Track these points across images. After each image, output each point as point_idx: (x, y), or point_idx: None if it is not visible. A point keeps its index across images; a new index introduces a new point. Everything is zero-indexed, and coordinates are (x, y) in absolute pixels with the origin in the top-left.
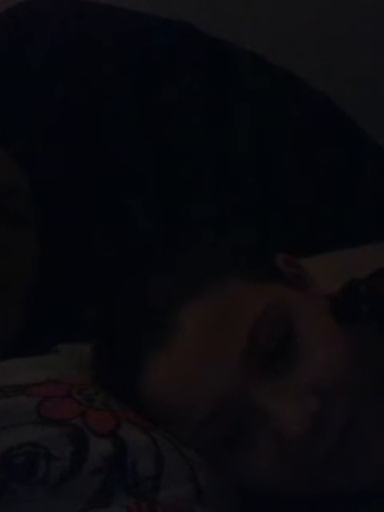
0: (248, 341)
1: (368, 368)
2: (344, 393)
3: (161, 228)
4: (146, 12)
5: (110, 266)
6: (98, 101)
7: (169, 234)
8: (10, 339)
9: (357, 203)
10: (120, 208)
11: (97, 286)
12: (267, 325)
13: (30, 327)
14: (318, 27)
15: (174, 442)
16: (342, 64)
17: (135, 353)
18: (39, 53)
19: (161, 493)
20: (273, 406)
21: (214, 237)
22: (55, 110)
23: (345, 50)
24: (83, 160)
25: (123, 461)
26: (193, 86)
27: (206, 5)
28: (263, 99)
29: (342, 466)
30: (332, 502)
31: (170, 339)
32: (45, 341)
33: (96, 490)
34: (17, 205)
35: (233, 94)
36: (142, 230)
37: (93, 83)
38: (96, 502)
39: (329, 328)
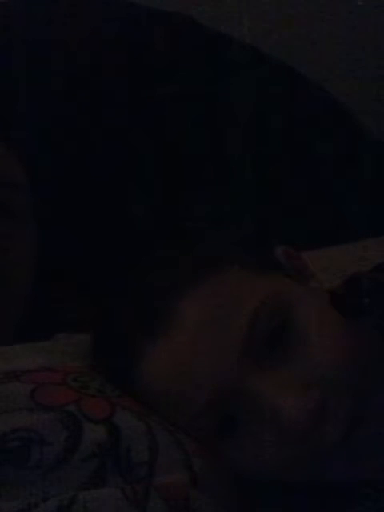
0: (247, 330)
1: (369, 362)
2: (346, 386)
3: (161, 223)
4: (146, 5)
5: (110, 260)
6: (99, 96)
7: (169, 227)
8: (10, 329)
9: (356, 197)
10: (119, 205)
11: (96, 282)
12: (266, 314)
13: (29, 319)
14: (317, 22)
15: (170, 428)
16: (341, 58)
17: (134, 341)
18: (38, 48)
19: (155, 479)
20: (272, 396)
21: (214, 229)
22: (55, 105)
23: (344, 44)
24: (83, 158)
25: (117, 447)
26: (193, 80)
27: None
28: (262, 93)
29: (344, 461)
30: (330, 492)
31: (170, 328)
32: (43, 334)
33: (89, 476)
34: (13, 198)
35: (232, 87)
36: (141, 225)
37: (93, 79)
38: (89, 487)
39: (329, 320)
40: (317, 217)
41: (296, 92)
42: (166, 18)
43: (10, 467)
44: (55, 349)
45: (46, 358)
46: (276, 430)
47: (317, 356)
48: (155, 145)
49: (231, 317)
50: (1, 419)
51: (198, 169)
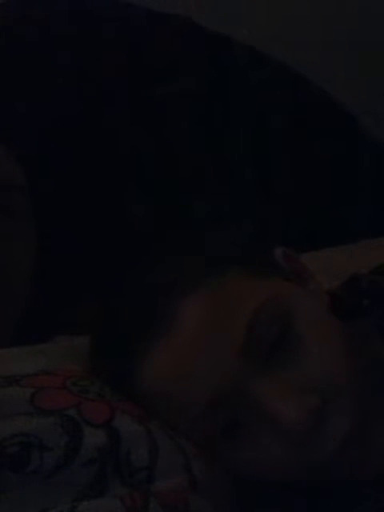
0: (246, 333)
1: (369, 364)
2: (345, 389)
3: (161, 224)
4: (145, 7)
5: (109, 261)
6: (99, 97)
7: (169, 228)
8: (8, 329)
9: (356, 198)
10: (120, 205)
11: (95, 283)
12: (265, 317)
13: (28, 320)
14: (318, 22)
15: (169, 432)
16: (341, 58)
17: (134, 343)
18: (38, 49)
19: (155, 483)
20: (271, 401)
21: (213, 231)
22: (55, 106)
23: (344, 44)
24: (83, 158)
25: (117, 451)
26: (194, 81)
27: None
28: (262, 93)
29: (345, 463)
30: (330, 493)
31: (169, 331)
32: (43, 334)
33: (90, 481)
34: (12, 199)
35: (232, 88)
36: (141, 226)
37: (93, 79)
38: (90, 492)
39: (328, 324)
40: (316, 217)
41: (296, 92)
42: (166, 19)
43: (9, 472)
44: (54, 351)
45: (46, 362)
46: (276, 432)
47: (316, 359)
48: (155, 145)
49: (231, 319)
50: (0, 424)
51: (197, 169)
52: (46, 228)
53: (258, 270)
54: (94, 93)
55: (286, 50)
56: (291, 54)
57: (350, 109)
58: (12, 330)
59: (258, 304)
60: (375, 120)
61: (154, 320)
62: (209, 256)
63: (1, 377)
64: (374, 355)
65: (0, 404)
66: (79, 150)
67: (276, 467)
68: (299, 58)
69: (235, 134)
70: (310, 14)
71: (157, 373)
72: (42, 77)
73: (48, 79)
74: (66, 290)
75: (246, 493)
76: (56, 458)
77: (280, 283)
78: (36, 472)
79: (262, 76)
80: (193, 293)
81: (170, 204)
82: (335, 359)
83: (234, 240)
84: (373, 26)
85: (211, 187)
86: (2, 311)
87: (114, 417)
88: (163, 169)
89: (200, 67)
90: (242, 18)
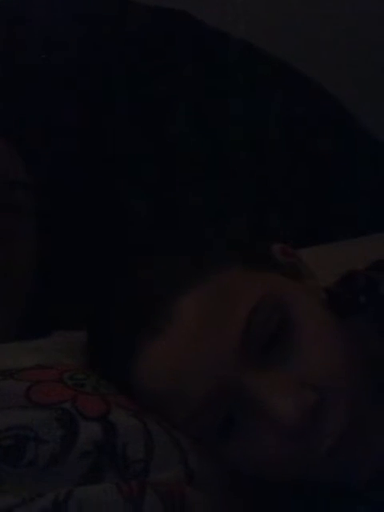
0: (244, 329)
1: (365, 362)
2: (342, 387)
3: (159, 220)
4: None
5: (109, 255)
6: (98, 95)
7: (167, 224)
8: (13, 324)
9: (355, 195)
10: (119, 201)
11: (95, 279)
12: (263, 313)
13: (29, 317)
14: (317, 22)
15: (165, 425)
16: (341, 58)
17: (131, 340)
18: (36, 47)
19: (151, 476)
20: (268, 397)
21: (211, 227)
22: (54, 103)
23: (344, 44)
24: (83, 156)
25: (113, 444)
26: (192, 77)
27: None
28: (260, 90)
29: (342, 461)
30: (328, 491)
31: (167, 327)
32: (40, 332)
33: (85, 474)
34: (16, 196)
35: (230, 84)
36: (140, 222)
37: (92, 77)
38: (85, 483)
39: (325, 320)
40: (314, 214)
41: (295, 90)
42: (164, 14)
43: (3, 465)
44: (52, 346)
45: (43, 356)
46: (273, 428)
47: (313, 355)
48: (154, 142)
49: (228, 315)
50: None
51: (195, 165)
52: (46, 224)
53: (256, 265)
54: (92, 91)
55: (286, 48)
56: (291, 53)
57: (350, 109)
58: (16, 327)
59: (256, 300)
60: (375, 120)
61: (152, 316)
62: (207, 252)
63: None
64: (371, 351)
65: None
66: (79, 148)
67: (273, 463)
68: (299, 57)
69: (234, 130)
70: (310, 12)
71: (154, 368)
72: (41, 76)
73: (47, 78)
74: (65, 287)
75: (242, 488)
76: (51, 451)
77: (278, 279)
78: (31, 464)
79: (261, 73)
80: (191, 289)
81: (168, 200)
82: (332, 355)
83: (231, 236)
84: (373, 26)
85: (210, 184)
86: (7, 308)
87: (110, 411)
88: (162, 166)
89: (198, 63)
90: (240, 15)
